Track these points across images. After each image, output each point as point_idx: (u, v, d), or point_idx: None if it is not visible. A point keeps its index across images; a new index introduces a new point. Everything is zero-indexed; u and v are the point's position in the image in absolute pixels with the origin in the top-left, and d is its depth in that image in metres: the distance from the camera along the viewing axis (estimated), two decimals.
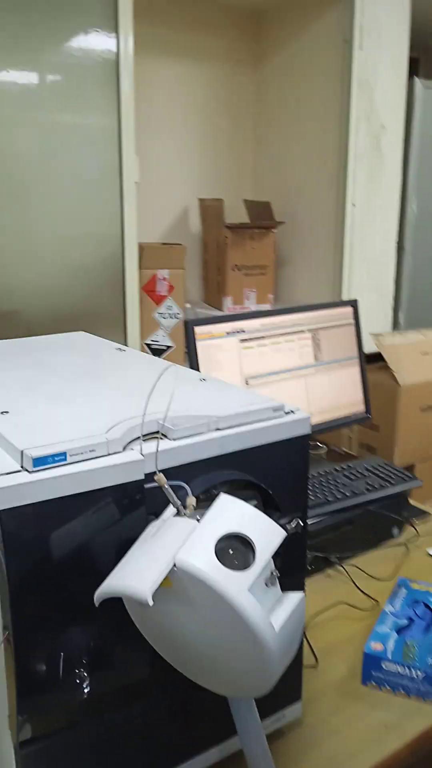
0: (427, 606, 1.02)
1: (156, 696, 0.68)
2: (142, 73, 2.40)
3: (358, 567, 1.20)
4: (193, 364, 1.23)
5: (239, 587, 0.52)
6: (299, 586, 0.78)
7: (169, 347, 2.28)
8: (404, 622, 0.98)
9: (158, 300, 2.20)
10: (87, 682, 0.63)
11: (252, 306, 2.48)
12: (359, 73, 2.37)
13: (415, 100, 2.66)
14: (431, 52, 3.46)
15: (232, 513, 0.57)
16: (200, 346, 1.24)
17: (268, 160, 2.82)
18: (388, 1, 2.41)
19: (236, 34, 2.73)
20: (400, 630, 0.96)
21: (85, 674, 0.62)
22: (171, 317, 2.22)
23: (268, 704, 0.79)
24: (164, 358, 2.00)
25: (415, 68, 3.43)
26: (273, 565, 0.57)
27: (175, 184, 2.67)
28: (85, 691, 0.63)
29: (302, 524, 0.74)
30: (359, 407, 1.55)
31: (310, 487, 1.30)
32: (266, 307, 2.49)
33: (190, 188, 2.68)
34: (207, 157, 2.74)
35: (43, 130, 1.81)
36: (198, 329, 1.24)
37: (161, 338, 2.22)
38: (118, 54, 1.85)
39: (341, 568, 1.19)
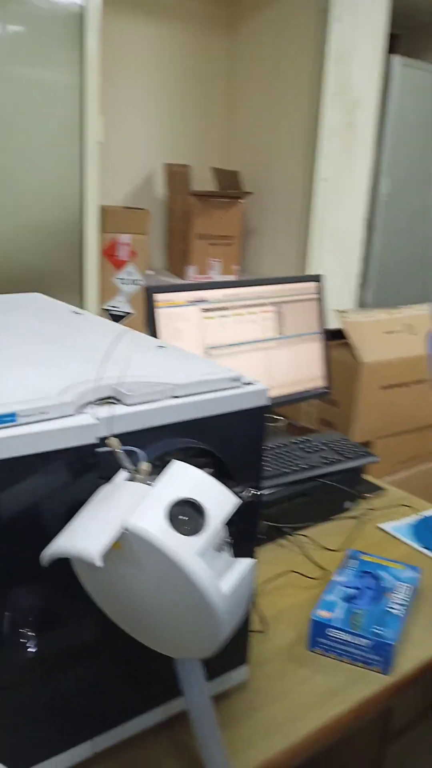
0: (375, 577, 1.05)
1: (103, 657, 0.68)
2: (111, 30, 2.32)
3: (310, 537, 1.22)
4: (153, 332, 1.22)
5: (189, 551, 0.52)
6: (251, 554, 0.78)
7: (128, 314, 2.25)
8: (353, 591, 1.01)
9: (119, 265, 2.16)
10: (33, 641, 0.62)
11: (216, 276, 2.47)
12: (335, 45, 2.34)
13: (392, 78, 2.64)
14: (413, 30, 3.44)
15: (185, 479, 0.57)
16: (160, 313, 1.23)
17: (239, 128, 2.78)
18: None
19: None
20: (348, 599, 0.99)
21: (31, 634, 0.62)
22: (131, 283, 2.19)
23: (215, 666, 0.80)
24: (124, 325, 1.97)
25: (396, 45, 3.40)
26: (225, 532, 0.57)
27: (141, 147, 2.61)
28: (30, 651, 0.62)
29: (256, 493, 0.75)
30: (319, 382, 1.56)
31: (267, 458, 1.31)
32: (231, 278, 2.48)
33: (156, 152, 2.62)
34: (175, 121, 2.69)
35: (2, 82, 1.74)
36: (158, 296, 1.22)
37: (121, 304, 2.19)
38: (84, 7, 1.78)
39: (292, 538, 1.21)
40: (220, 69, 2.76)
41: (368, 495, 1.40)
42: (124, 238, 2.15)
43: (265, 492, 1.20)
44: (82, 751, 0.71)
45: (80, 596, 0.62)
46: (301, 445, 1.39)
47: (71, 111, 1.82)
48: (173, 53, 2.62)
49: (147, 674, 0.74)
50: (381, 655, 0.91)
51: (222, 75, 2.78)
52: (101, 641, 0.67)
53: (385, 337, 2.07)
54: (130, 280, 2.18)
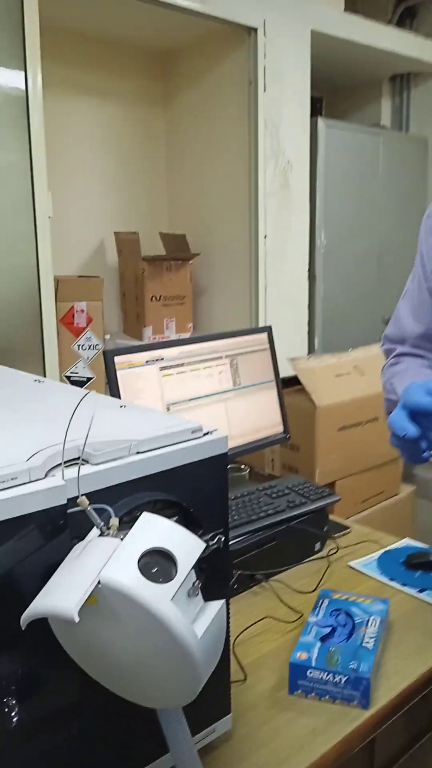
0: (348, 614, 1.07)
1: (86, 718, 0.69)
2: (54, 110, 2.43)
3: (282, 582, 1.24)
4: (114, 393, 1.26)
5: (162, 598, 0.54)
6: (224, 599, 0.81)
7: (89, 378, 2.28)
8: (327, 630, 1.03)
9: (77, 332, 2.21)
10: (16, 710, 0.63)
11: (172, 335, 2.53)
12: (265, 113, 2.50)
13: (318, 138, 2.82)
14: (333, 93, 3.68)
15: (153, 529, 0.60)
16: (120, 375, 1.27)
17: (182, 194, 2.91)
18: (290, 45, 2.56)
19: (144, 74, 2.82)
20: (323, 638, 1.01)
21: (14, 703, 0.63)
22: (90, 348, 2.23)
23: (198, 720, 0.80)
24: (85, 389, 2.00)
25: (318, 108, 3.64)
26: (195, 577, 0.60)
27: (91, 219, 2.70)
28: (14, 720, 0.63)
29: (224, 539, 0.78)
30: (278, 428, 1.61)
31: (233, 508, 1.34)
32: (186, 335, 2.54)
33: (105, 222, 2.72)
34: (121, 192, 2.80)
35: None
36: (118, 358, 1.27)
37: (81, 370, 2.22)
38: (27, 91, 1.88)
39: (267, 585, 1.23)
40: (159, 140, 2.91)
41: (335, 535, 1.43)
42: (80, 305, 2.20)
43: (235, 540, 1.23)
44: None
45: (59, 658, 0.63)
46: (266, 492, 1.42)
47: (22, 188, 1.89)
48: (115, 129, 2.75)
49: (131, 734, 0.74)
50: (358, 689, 0.93)
51: (162, 146, 2.92)
52: (82, 703, 0.68)
53: (337, 380, 2.14)
54: (89, 345, 2.22)
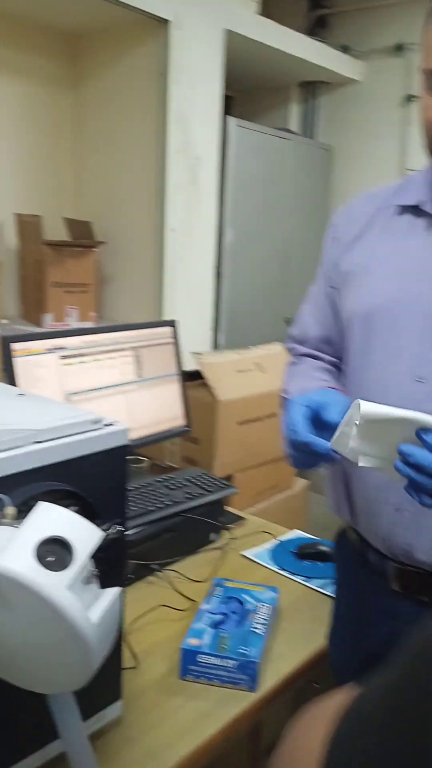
0: (240, 601, 1.11)
1: None
2: None
3: (177, 571, 1.27)
4: (11, 381, 1.23)
5: (57, 586, 0.55)
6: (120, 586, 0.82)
7: None
8: (219, 617, 1.06)
9: None
10: None
11: (74, 323, 2.49)
12: (175, 106, 2.51)
13: (229, 137, 2.86)
14: (244, 93, 3.74)
15: (50, 518, 0.60)
16: (18, 362, 1.24)
17: (89, 180, 2.86)
18: (203, 41, 2.57)
19: (54, 55, 2.74)
20: (215, 625, 1.04)
21: None
22: None
23: (89, 705, 0.81)
24: None
25: (231, 106, 3.69)
26: (91, 565, 0.61)
27: None
28: None
29: (121, 529, 0.79)
30: (179, 421, 1.63)
31: (132, 499, 1.35)
32: (89, 324, 2.51)
33: (6, 203, 2.62)
34: (25, 173, 2.71)
35: None
36: (16, 346, 1.24)
37: None
38: None
39: (161, 574, 1.25)
40: (66, 123, 2.84)
41: (231, 525, 1.48)
42: None
43: (132, 531, 1.24)
44: None
45: None
46: (165, 483, 1.44)
47: None
48: (21, 107, 2.66)
49: (21, 721, 0.74)
50: (247, 673, 0.97)
51: (69, 129, 2.85)
52: None
53: (238, 375, 2.20)
54: None
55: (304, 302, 1.16)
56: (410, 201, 0.94)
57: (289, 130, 3.53)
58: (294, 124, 3.71)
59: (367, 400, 0.77)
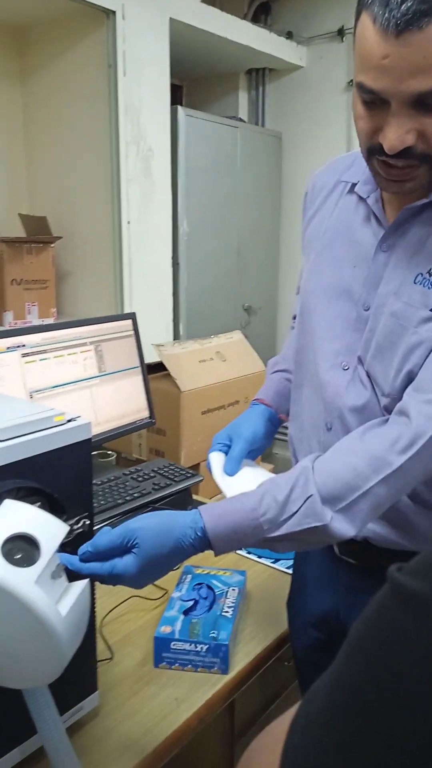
0: (209, 587, 1.13)
1: None
2: None
3: None
4: None
5: (25, 581, 0.56)
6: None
7: None
8: (190, 604, 1.08)
9: None
10: None
11: (34, 320, 2.47)
12: (125, 97, 2.49)
13: (179, 127, 2.85)
14: (192, 82, 3.73)
15: (15, 515, 0.61)
16: None
17: (42, 175, 2.82)
18: (149, 30, 2.56)
19: (0, 49, 2.69)
20: (186, 611, 1.06)
21: None
22: None
23: (66, 699, 0.82)
24: None
25: (179, 96, 3.67)
26: (59, 559, 0.62)
27: None
28: None
29: (88, 523, 0.80)
30: (144, 413, 1.64)
31: (100, 492, 1.35)
32: (50, 321, 2.49)
33: None
34: None
35: None
36: None
37: None
38: None
39: None
40: (17, 118, 2.80)
41: None
42: None
43: (101, 525, 1.24)
44: None
45: None
46: (132, 476, 1.45)
47: None
48: None
49: None
50: (218, 656, 0.99)
51: (19, 123, 2.81)
52: None
53: (200, 365, 2.21)
54: None
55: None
56: (352, 179, 0.93)
57: (238, 118, 3.54)
58: (243, 112, 3.71)
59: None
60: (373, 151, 0.78)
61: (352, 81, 3.30)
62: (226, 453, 1.01)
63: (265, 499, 0.76)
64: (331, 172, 0.99)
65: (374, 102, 0.74)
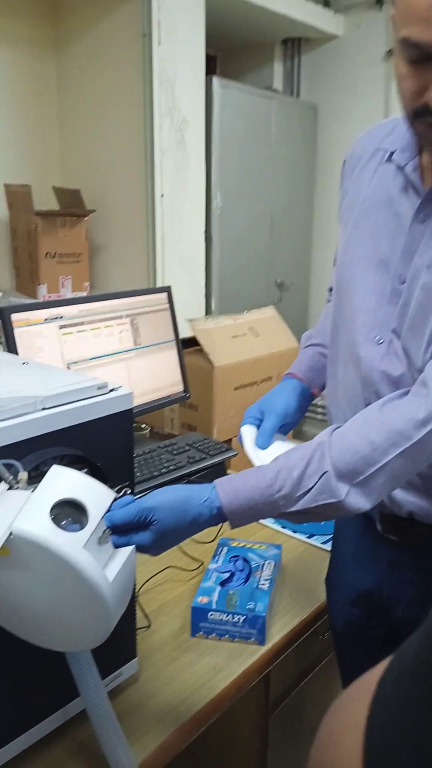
0: (245, 560, 1.14)
1: None
2: None
3: None
4: (12, 351, 1.23)
5: (74, 546, 0.56)
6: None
7: None
8: (226, 575, 1.09)
9: None
10: None
11: (68, 294, 2.47)
12: (159, 68, 2.45)
13: (213, 97, 2.81)
14: (227, 52, 3.66)
15: (63, 481, 0.61)
16: (18, 333, 1.24)
17: (76, 147, 2.81)
18: None
19: (34, 19, 2.66)
20: (222, 583, 1.07)
21: None
22: None
23: (106, 665, 0.84)
24: None
25: (213, 66, 3.61)
26: (105, 525, 0.62)
27: None
28: None
29: (129, 492, 0.80)
30: (178, 387, 1.64)
31: (136, 465, 1.36)
32: (82, 294, 2.49)
33: None
34: (11, 142, 2.66)
35: None
36: (15, 316, 1.24)
37: None
38: None
39: None
40: (51, 89, 2.78)
41: None
42: None
43: (138, 496, 1.25)
44: None
45: None
46: (167, 449, 1.45)
47: None
48: (3, 75, 2.59)
49: (42, 681, 0.76)
50: (255, 627, 1.00)
51: (54, 95, 2.79)
52: None
53: (233, 341, 2.20)
54: None
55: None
56: (391, 146, 0.89)
57: (273, 89, 3.47)
58: (278, 82, 3.64)
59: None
60: (418, 114, 0.75)
61: (390, 51, 3.24)
62: (258, 426, 1.00)
63: (281, 474, 0.75)
64: (370, 138, 0.96)
65: (421, 58, 0.71)
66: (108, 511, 0.62)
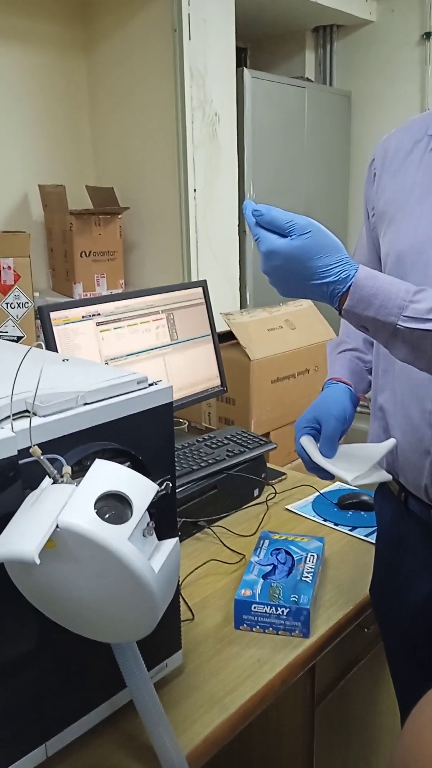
0: (288, 552, 1.13)
1: (45, 661, 0.71)
2: None
3: (224, 527, 1.29)
4: (51, 349, 1.24)
5: (120, 538, 0.57)
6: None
7: (19, 338, 2.23)
8: (268, 568, 1.08)
9: (5, 290, 2.15)
10: None
11: (103, 292, 2.50)
12: (190, 62, 2.45)
13: (245, 90, 2.79)
14: (257, 43, 3.64)
15: (107, 474, 0.61)
16: (57, 331, 1.26)
17: (108, 146, 2.83)
18: None
19: (65, 19, 2.69)
20: (265, 576, 1.06)
21: None
22: (20, 306, 2.17)
23: (151, 656, 0.84)
24: None
25: (243, 59, 3.59)
26: (149, 518, 0.62)
27: (13, 171, 2.59)
28: None
29: (171, 485, 0.80)
30: (215, 381, 1.64)
31: (175, 458, 1.36)
32: (118, 292, 2.51)
33: (29, 175, 2.62)
34: (44, 143, 2.69)
35: None
36: (54, 314, 1.25)
37: (11, 329, 2.17)
38: None
39: (209, 530, 1.28)
40: (82, 89, 2.80)
41: (273, 481, 1.49)
42: (7, 262, 2.13)
43: (178, 489, 1.26)
44: (37, 756, 0.73)
45: (17, 606, 0.65)
46: (205, 442, 1.46)
47: None
48: (35, 76, 2.63)
49: (90, 673, 0.77)
50: (299, 620, 0.99)
51: (85, 94, 2.81)
52: (42, 647, 0.70)
53: (269, 334, 2.19)
54: (18, 303, 2.16)
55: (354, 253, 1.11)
56: None
57: (305, 78, 3.43)
58: (310, 71, 3.60)
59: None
60: None
61: (426, 33, 3.17)
62: (315, 437, 0.96)
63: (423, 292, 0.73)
64: (406, 132, 0.94)
65: None
66: (150, 502, 0.63)
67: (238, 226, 2.81)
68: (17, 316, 2.19)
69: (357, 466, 0.90)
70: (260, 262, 0.78)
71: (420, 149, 0.91)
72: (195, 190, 2.55)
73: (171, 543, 0.63)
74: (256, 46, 3.66)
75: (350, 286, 0.74)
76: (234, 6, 2.59)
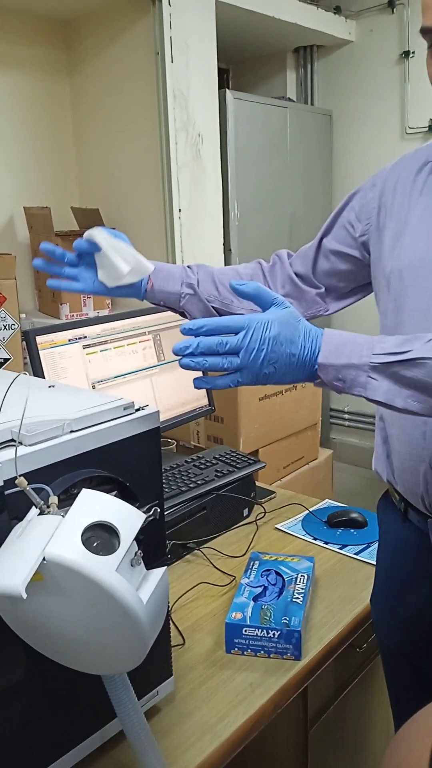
0: (278, 573, 1.13)
1: (33, 694, 0.70)
2: None
3: (214, 548, 1.28)
4: (38, 374, 1.24)
5: (107, 569, 0.56)
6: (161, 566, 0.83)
7: (6, 360, 2.22)
8: (259, 590, 1.08)
9: None
10: None
11: (90, 312, 2.50)
12: (173, 84, 2.48)
13: (227, 111, 2.82)
14: (238, 64, 3.69)
15: (94, 504, 0.61)
16: (43, 354, 1.26)
17: (92, 167, 2.84)
18: (195, 15, 2.53)
19: (47, 44, 2.71)
20: (256, 598, 1.06)
21: None
22: (6, 329, 2.17)
23: (142, 684, 0.83)
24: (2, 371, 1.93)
25: (225, 79, 3.63)
26: (136, 547, 0.62)
27: None
28: None
29: (159, 510, 0.80)
30: (203, 401, 1.64)
31: (163, 480, 1.36)
32: (104, 313, 2.51)
33: (14, 197, 2.62)
34: (29, 165, 2.70)
35: None
36: (40, 338, 1.25)
37: None
38: None
39: (199, 552, 1.27)
40: (66, 111, 2.82)
41: (262, 500, 1.49)
42: None
43: (167, 511, 1.25)
44: None
45: (6, 637, 0.64)
46: (194, 463, 1.45)
47: None
48: (19, 100, 2.64)
49: (80, 704, 0.76)
50: (291, 642, 0.98)
51: (69, 117, 2.83)
52: (31, 679, 0.69)
53: None
54: (4, 325, 2.16)
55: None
56: None
57: (287, 98, 3.47)
58: (292, 91, 3.65)
59: None
60: None
61: (405, 52, 3.23)
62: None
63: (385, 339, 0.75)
64: (405, 165, 0.98)
65: None
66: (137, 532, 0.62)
67: (224, 245, 2.83)
68: (3, 339, 2.18)
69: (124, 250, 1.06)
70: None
71: (422, 177, 0.94)
72: (180, 210, 2.57)
73: (159, 572, 0.63)
74: (238, 67, 3.71)
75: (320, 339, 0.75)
76: (215, 28, 2.62)
